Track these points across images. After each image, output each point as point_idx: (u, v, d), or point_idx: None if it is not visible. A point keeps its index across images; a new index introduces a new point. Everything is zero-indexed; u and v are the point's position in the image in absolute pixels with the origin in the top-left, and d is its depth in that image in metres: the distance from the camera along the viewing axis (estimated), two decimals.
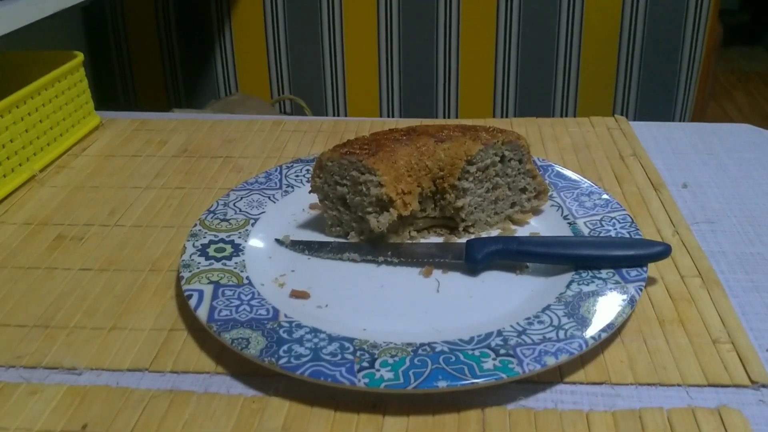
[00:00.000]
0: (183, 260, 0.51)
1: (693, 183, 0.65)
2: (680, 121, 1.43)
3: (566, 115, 1.42)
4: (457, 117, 1.45)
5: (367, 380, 0.40)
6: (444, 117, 1.45)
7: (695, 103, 1.44)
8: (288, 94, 1.46)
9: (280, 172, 0.64)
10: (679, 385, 0.42)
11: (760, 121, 2.77)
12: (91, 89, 0.80)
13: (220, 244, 0.53)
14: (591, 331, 0.43)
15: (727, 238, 0.57)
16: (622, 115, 1.43)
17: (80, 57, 0.76)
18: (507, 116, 1.43)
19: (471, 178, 0.54)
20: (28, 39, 1.13)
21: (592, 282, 0.48)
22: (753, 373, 0.43)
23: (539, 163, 0.63)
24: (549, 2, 1.35)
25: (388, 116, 1.47)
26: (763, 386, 0.42)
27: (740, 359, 0.44)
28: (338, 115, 1.48)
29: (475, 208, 0.56)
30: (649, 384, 0.43)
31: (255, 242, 0.55)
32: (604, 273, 0.49)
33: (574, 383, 0.43)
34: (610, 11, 1.35)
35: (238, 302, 0.47)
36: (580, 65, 1.39)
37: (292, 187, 0.62)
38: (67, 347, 0.46)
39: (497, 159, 0.55)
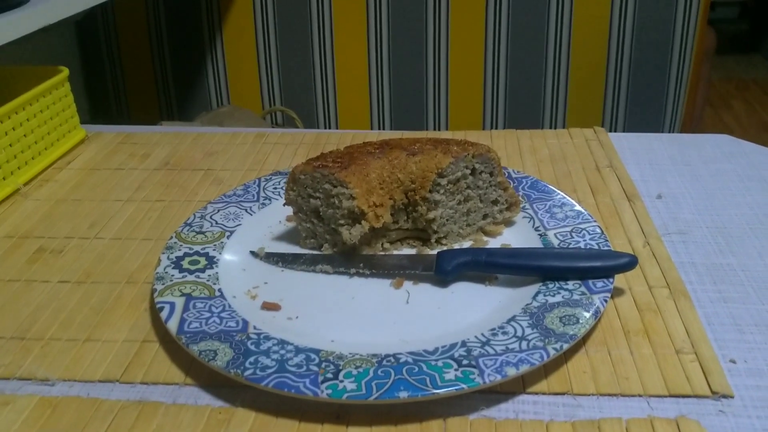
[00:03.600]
0: (157, 272, 0.52)
1: (668, 194, 0.66)
2: (670, 131, 1.44)
3: (556, 127, 1.43)
4: (447, 129, 1.46)
5: (329, 391, 0.41)
6: (434, 129, 1.47)
7: (685, 113, 1.44)
8: (279, 105, 1.48)
9: (258, 185, 0.65)
10: (640, 396, 0.43)
11: (757, 130, 2.78)
12: (84, 102, 0.81)
13: (195, 257, 0.54)
14: (553, 342, 0.44)
15: (698, 249, 0.57)
16: (611, 126, 1.44)
17: (65, 72, 0.78)
18: (496, 128, 1.45)
19: (442, 191, 0.55)
20: (21, 53, 1.15)
21: (558, 293, 0.49)
22: (714, 383, 0.43)
23: (514, 175, 0.64)
24: (537, 15, 1.36)
25: (379, 128, 1.48)
26: (724, 397, 0.43)
27: (702, 370, 0.44)
28: (329, 127, 1.50)
29: (447, 219, 0.56)
30: (610, 394, 0.43)
31: (230, 255, 0.56)
32: (570, 284, 0.50)
33: (536, 393, 0.43)
34: (598, 23, 1.36)
35: (208, 314, 0.48)
36: (568, 77, 1.40)
37: (270, 200, 0.63)
38: (42, 359, 0.47)
39: (468, 172, 0.56)
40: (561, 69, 1.39)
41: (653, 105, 1.42)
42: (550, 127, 1.43)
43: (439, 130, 1.47)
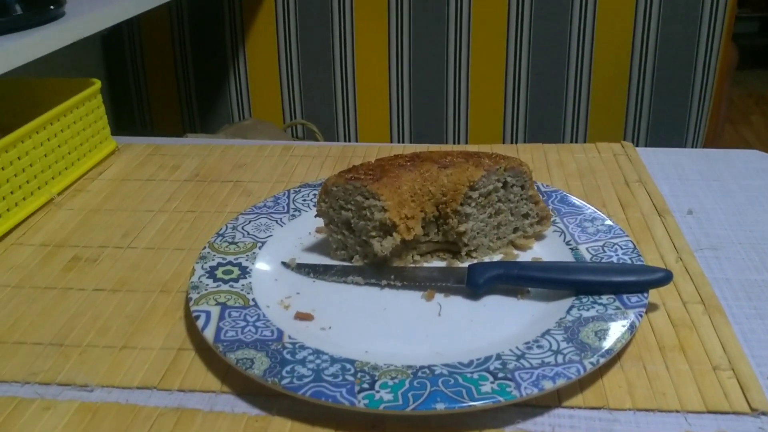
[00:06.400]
0: (192, 282, 0.52)
1: (698, 209, 0.66)
2: (692, 146, 1.43)
3: (576, 141, 1.43)
4: (466, 143, 1.46)
5: (366, 401, 0.41)
6: (454, 143, 1.47)
7: (708, 128, 1.44)
8: (300, 119, 1.49)
9: (288, 197, 0.65)
10: (677, 412, 0.43)
11: None
12: (108, 114, 0.82)
13: (228, 267, 0.55)
14: (589, 357, 0.44)
15: (732, 265, 0.57)
16: (633, 141, 1.43)
17: (98, 84, 0.79)
18: (516, 142, 1.45)
19: (473, 204, 0.55)
20: (48, 65, 1.17)
21: (593, 307, 0.49)
22: (753, 400, 0.43)
23: (543, 189, 0.64)
24: (559, 28, 1.37)
25: (399, 142, 1.48)
26: (764, 414, 0.42)
27: (741, 386, 0.44)
28: (349, 140, 1.51)
29: (478, 233, 0.56)
30: (647, 410, 0.43)
31: (262, 265, 0.56)
32: (604, 298, 0.49)
33: (572, 407, 0.43)
34: (621, 37, 1.36)
35: (243, 323, 0.48)
36: (590, 91, 1.40)
37: (299, 211, 0.63)
38: (80, 365, 0.48)
39: (499, 185, 0.56)
40: (583, 83, 1.39)
41: (676, 120, 1.41)
42: (571, 141, 1.43)
43: (458, 143, 1.47)
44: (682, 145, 1.43)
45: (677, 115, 1.41)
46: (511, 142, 1.45)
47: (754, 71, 3.45)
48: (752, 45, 3.63)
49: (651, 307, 0.51)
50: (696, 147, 1.44)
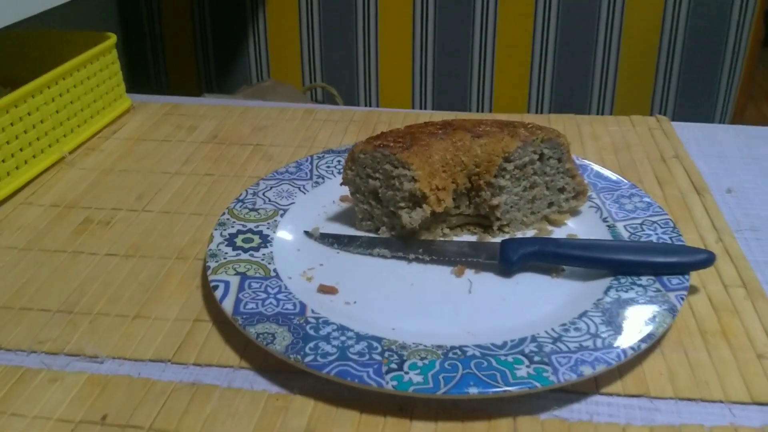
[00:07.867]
0: (210, 249, 0.50)
1: (738, 188, 0.63)
2: (720, 122, 1.39)
3: (603, 113, 1.39)
4: (490, 111, 1.42)
5: (395, 383, 0.39)
6: (477, 110, 1.43)
7: (736, 104, 1.39)
8: (320, 82, 1.45)
9: (311, 163, 0.62)
10: (721, 402, 0.40)
11: None
12: (123, 70, 0.79)
13: (248, 235, 0.52)
14: (630, 341, 0.41)
15: None
16: (660, 113, 1.39)
17: (113, 39, 0.76)
18: (542, 112, 1.41)
19: (508, 176, 0.52)
20: (62, 17, 1.13)
21: (632, 289, 0.46)
22: None
23: (578, 162, 0.61)
24: None
25: (421, 108, 1.45)
26: None
27: None
28: (370, 105, 1.47)
29: (511, 206, 0.54)
30: (689, 399, 0.41)
31: (283, 234, 0.54)
32: (644, 280, 0.47)
33: (610, 395, 0.41)
34: (652, 6, 1.31)
35: (264, 295, 0.46)
36: (618, 61, 1.35)
37: (323, 178, 0.61)
38: (90, 334, 0.46)
39: (536, 157, 0.53)
40: (611, 53, 1.35)
41: (705, 95, 1.37)
42: (598, 113, 1.39)
43: (482, 111, 1.43)
44: (710, 121, 1.39)
45: (707, 90, 1.36)
46: (537, 112, 1.40)
47: None
48: None
49: (690, 290, 0.49)
50: (724, 123, 1.39)
